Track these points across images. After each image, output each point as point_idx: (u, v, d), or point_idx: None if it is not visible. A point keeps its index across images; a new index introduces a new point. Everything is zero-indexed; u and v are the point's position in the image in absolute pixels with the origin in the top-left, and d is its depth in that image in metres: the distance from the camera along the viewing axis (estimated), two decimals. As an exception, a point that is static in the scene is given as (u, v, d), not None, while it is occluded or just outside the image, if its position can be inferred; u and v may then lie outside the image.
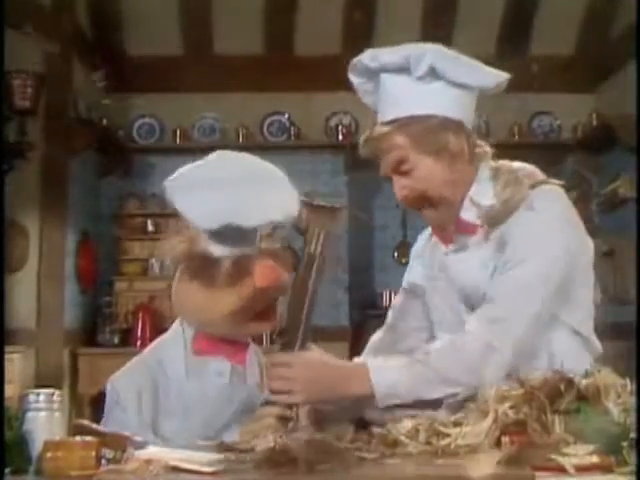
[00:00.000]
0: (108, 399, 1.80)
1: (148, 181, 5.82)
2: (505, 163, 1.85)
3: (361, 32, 5.38)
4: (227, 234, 1.72)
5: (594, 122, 5.51)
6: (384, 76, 1.78)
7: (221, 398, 1.80)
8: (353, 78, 1.85)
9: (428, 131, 1.75)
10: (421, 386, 1.62)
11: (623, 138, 4.96)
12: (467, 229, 1.80)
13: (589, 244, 1.82)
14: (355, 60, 1.82)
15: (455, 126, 1.77)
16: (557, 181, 1.82)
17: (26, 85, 4.37)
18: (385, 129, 1.77)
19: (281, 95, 5.66)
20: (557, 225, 1.75)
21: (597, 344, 1.81)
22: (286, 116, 5.72)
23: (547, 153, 5.60)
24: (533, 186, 1.76)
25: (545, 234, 1.73)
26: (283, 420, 1.60)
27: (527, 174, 1.80)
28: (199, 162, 1.82)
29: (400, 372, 1.64)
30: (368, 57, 1.79)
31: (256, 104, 5.68)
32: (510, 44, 5.60)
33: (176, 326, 1.92)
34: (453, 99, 1.77)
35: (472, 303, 1.78)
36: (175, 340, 1.88)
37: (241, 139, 5.65)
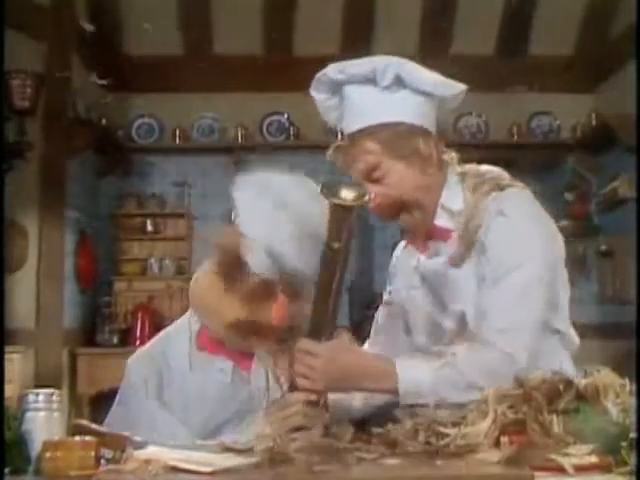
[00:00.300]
0: (124, 377, 1.85)
1: (147, 181, 5.82)
2: (472, 167, 1.88)
3: (360, 32, 5.38)
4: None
5: (593, 122, 5.50)
6: (349, 88, 1.80)
7: (222, 395, 1.80)
8: (317, 95, 1.86)
9: (398, 136, 1.77)
10: (446, 388, 1.61)
11: (622, 138, 4.96)
12: (441, 235, 1.82)
13: (561, 243, 1.84)
14: (319, 74, 1.83)
15: (422, 132, 1.80)
16: (521, 183, 1.84)
17: (25, 85, 4.36)
18: (354, 137, 1.79)
19: (280, 95, 5.65)
20: (533, 228, 1.77)
21: (575, 339, 1.83)
22: (285, 116, 5.72)
23: (546, 153, 5.60)
24: (501, 189, 1.78)
25: (524, 239, 1.74)
26: (311, 404, 1.62)
27: (493, 177, 1.82)
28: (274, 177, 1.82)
29: (427, 372, 1.64)
30: (333, 70, 1.81)
31: (255, 104, 5.68)
32: (509, 44, 5.60)
33: (183, 320, 1.93)
34: (417, 107, 1.80)
35: (451, 311, 1.79)
36: (181, 333, 1.89)
37: (240, 139, 5.65)
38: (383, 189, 1.78)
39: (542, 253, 1.74)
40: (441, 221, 1.82)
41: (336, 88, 1.83)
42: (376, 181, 1.78)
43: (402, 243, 2.03)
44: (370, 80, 1.77)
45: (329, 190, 1.60)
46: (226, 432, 1.71)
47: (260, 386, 1.86)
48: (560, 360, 1.70)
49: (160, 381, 1.82)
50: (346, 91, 1.81)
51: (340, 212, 1.60)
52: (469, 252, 1.76)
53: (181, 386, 1.81)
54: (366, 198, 1.62)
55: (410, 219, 1.83)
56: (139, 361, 1.88)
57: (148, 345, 1.94)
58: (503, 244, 1.72)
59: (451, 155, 1.88)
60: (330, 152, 1.85)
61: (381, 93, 1.77)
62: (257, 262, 1.74)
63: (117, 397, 1.86)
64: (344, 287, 1.66)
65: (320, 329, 1.63)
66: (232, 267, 1.78)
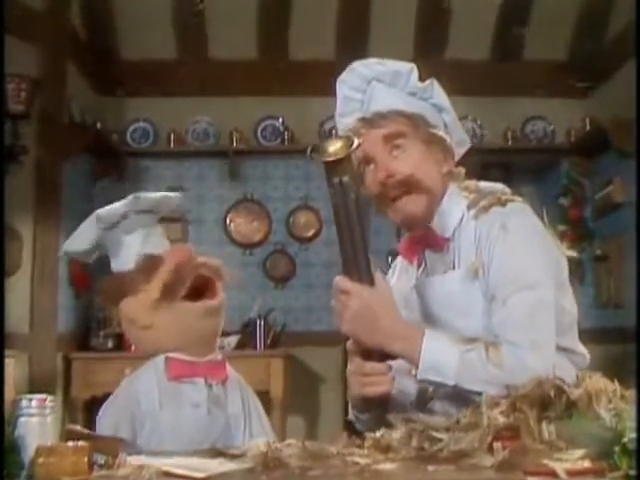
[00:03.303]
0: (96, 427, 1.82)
1: (142, 185, 5.80)
2: (472, 182, 1.91)
3: (355, 37, 5.39)
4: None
5: (587, 127, 5.51)
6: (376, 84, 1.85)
7: (197, 430, 1.76)
8: (345, 84, 1.89)
9: (424, 120, 1.83)
10: (466, 374, 1.59)
11: (616, 143, 4.97)
12: (437, 242, 1.82)
13: (564, 260, 1.84)
14: (350, 67, 1.88)
15: (442, 135, 1.86)
16: (520, 198, 1.85)
17: (20, 89, 4.35)
18: (382, 115, 1.82)
19: (275, 99, 5.66)
20: (538, 246, 1.77)
21: (584, 355, 1.82)
22: (280, 120, 5.73)
23: (541, 158, 5.61)
24: (502, 204, 1.78)
25: (531, 257, 1.73)
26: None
27: (494, 192, 1.84)
28: None
29: (453, 352, 1.61)
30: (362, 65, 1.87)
31: (250, 108, 5.68)
32: (504, 49, 5.61)
33: (150, 361, 1.91)
34: (439, 117, 1.89)
35: (448, 324, 1.77)
36: (148, 371, 1.86)
37: (235, 143, 5.65)
38: (397, 163, 1.81)
39: (549, 273, 1.74)
40: (438, 227, 1.82)
41: (365, 84, 1.87)
42: (394, 151, 1.81)
43: (396, 263, 2.02)
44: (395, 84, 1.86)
45: (315, 152, 1.62)
46: None
47: (236, 409, 1.84)
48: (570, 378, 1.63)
49: (133, 425, 1.79)
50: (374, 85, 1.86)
51: (327, 168, 1.61)
52: (468, 268, 1.76)
53: (153, 427, 1.78)
54: (354, 144, 1.61)
55: (412, 206, 1.82)
56: (107, 412, 1.85)
57: (118, 390, 1.90)
58: (509, 261, 1.71)
59: (458, 169, 1.92)
60: (346, 131, 1.86)
61: (412, 95, 1.86)
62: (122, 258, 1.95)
63: None
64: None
65: (353, 274, 1.63)
66: (119, 293, 1.88)
